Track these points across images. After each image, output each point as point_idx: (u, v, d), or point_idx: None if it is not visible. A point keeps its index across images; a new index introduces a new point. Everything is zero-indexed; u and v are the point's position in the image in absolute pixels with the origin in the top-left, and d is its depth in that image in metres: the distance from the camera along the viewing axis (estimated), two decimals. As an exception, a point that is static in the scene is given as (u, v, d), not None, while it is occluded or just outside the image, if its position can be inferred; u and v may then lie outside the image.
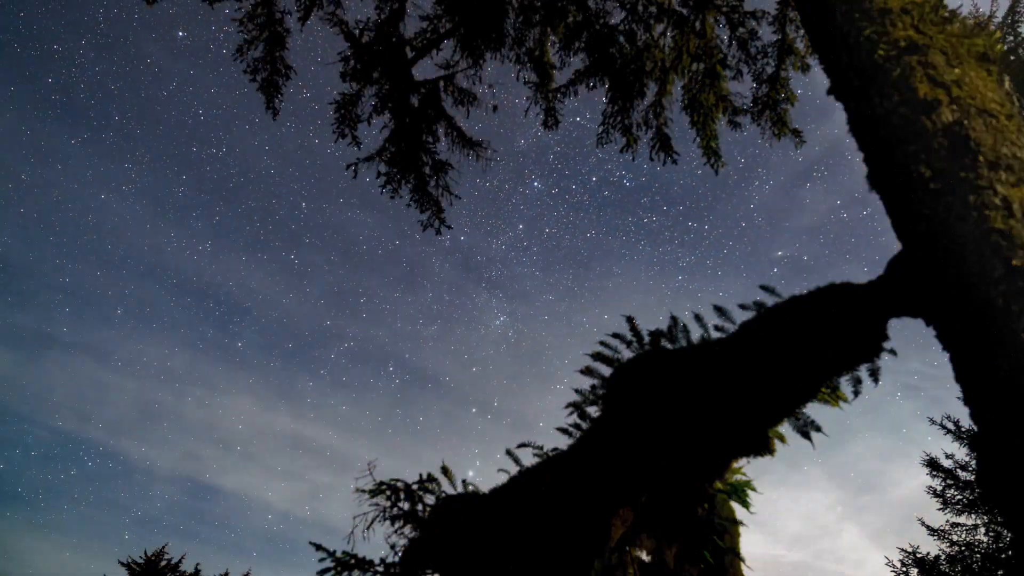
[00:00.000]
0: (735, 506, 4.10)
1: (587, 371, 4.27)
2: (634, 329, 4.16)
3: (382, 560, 3.66)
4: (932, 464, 12.93)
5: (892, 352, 2.78)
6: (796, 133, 6.57)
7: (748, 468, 4.17)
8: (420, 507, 3.83)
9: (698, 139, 6.62)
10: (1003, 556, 11.58)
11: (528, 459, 3.91)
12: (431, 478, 3.95)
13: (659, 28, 6.22)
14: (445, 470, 4.01)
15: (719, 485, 4.01)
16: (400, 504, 3.85)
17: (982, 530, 12.15)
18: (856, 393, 3.26)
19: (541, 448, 4.07)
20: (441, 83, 6.37)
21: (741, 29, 6.13)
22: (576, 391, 4.30)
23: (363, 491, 3.90)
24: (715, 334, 3.65)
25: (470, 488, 3.86)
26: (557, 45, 6.42)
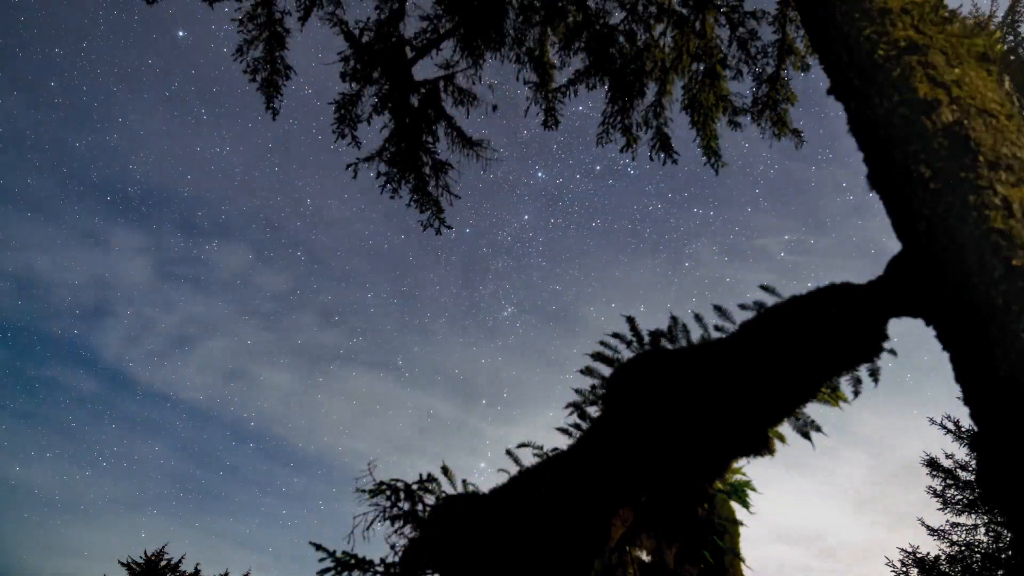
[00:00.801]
0: (735, 506, 4.11)
1: (587, 371, 4.27)
2: (634, 329, 4.16)
3: (382, 560, 3.65)
4: (932, 464, 12.93)
5: (892, 352, 2.78)
6: (796, 133, 6.57)
7: (748, 468, 4.17)
8: (420, 507, 3.82)
9: (698, 139, 6.62)
10: (1003, 556, 11.58)
11: (528, 459, 3.91)
12: (431, 478, 3.95)
13: (659, 28, 6.22)
14: (445, 470, 4.01)
15: (719, 485, 4.01)
16: (400, 504, 3.84)
17: (982, 530, 12.16)
18: (856, 393, 3.26)
19: (541, 448, 4.07)
20: (441, 83, 6.37)
21: (741, 29, 6.13)
22: (576, 391, 4.31)
23: (363, 491, 3.89)
24: (715, 334, 3.66)
25: (470, 488, 3.86)
26: (557, 45, 6.42)
